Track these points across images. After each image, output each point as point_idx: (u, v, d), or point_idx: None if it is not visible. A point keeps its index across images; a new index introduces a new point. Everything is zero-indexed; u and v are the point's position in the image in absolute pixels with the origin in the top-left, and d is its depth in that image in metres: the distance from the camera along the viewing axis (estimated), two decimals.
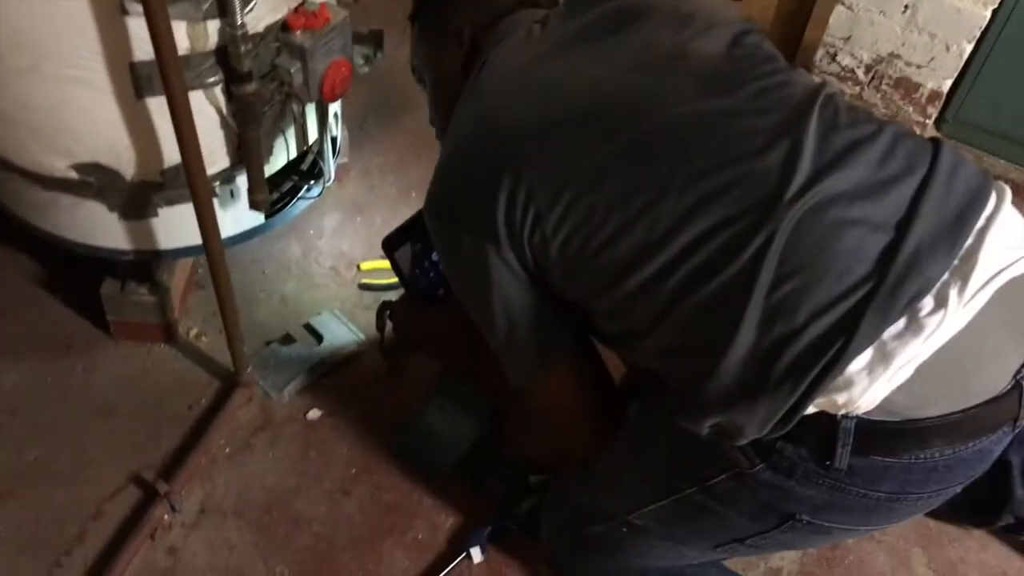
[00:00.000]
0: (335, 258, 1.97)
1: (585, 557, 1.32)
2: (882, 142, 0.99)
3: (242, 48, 1.29)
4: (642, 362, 1.11)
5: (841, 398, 0.92)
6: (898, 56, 1.94)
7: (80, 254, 1.65)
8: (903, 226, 0.94)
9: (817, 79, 1.12)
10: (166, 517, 1.55)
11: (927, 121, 2.02)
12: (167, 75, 1.20)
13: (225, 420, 1.67)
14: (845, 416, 0.93)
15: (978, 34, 1.86)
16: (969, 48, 1.88)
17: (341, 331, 1.81)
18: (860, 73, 2.01)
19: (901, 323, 0.91)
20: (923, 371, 0.91)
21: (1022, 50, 1.96)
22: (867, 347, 0.91)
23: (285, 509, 1.59)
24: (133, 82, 1.30)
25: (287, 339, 1.80)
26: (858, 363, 0.91)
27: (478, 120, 1.11)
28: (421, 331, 1.40)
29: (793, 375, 0.92)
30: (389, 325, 1.57)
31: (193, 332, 1.81)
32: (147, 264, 1.67)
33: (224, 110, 1.40)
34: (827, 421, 0.94)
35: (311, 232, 2.01)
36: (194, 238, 1.47)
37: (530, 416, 1.27)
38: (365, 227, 2.03)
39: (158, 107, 1.33)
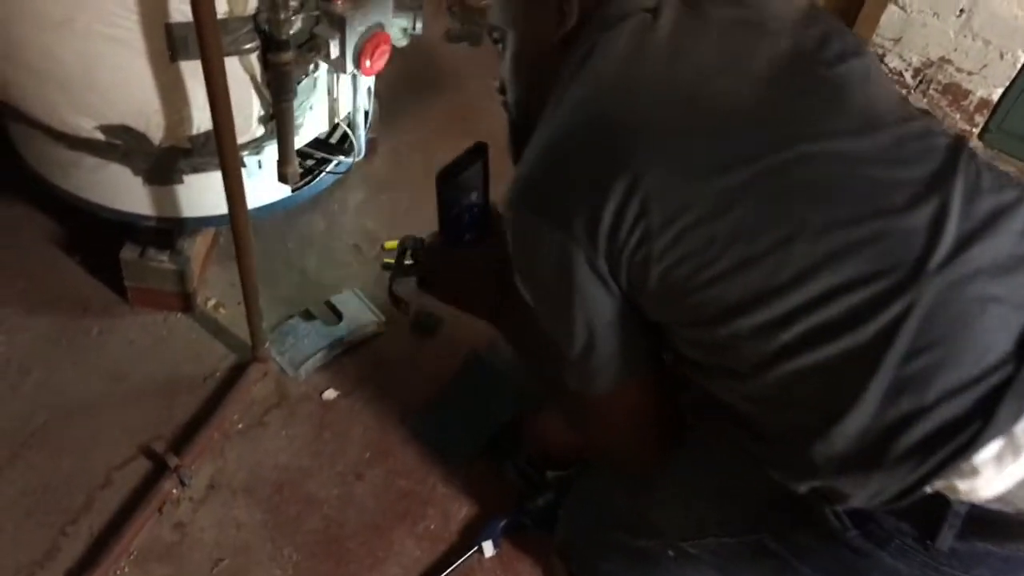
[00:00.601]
0: (359, 235, 1.93)
1: (613, 564, 1.27)
2: None
3: (282, 15, 1.25)
4: (729, 398, 1.04)
5: (964, 485, 0.88)
6: (949, 61, 1.89)
7: (101, 217, 1.61)
8: None
9: (951, 129, 1.06)
10: (175, 491, 1.52)
11: (973, 130, 1.97)
12: (204, 38, 1.16)
13: (239, 395, 1.64)
14: (960, 502, 0.89)
15: None
16: (1023, 57, 1.82)
17: (361, 311, 1.78)
18: (908, 76, 1.96)
19: None
20: None
21: None
22: (1000, 436, 0.86)
23: (296, 489, 1.55)
24: (168, 44, 1.26)
25: (307, 315, 1.76)
26: (988, 451, 0.86)
27: (593, 112, 1.01)
28: (444, 274, 1.30)
29: (917, 455, 0.88)
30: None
31: (212, 303, 1.77)
32: (169, 231, 1.63)
33: (259, 78, 1.36)
34: (938, 501, 0.90)
35: (336, 207, 1.97)
36: (219, 207, 1.44)
37: (579, 419, 1.19)
38: (390, 205, 1.99)
39: (192, 71, 1.29)
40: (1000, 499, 0.88)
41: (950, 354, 0.88)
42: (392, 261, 1.83)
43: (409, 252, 1.29)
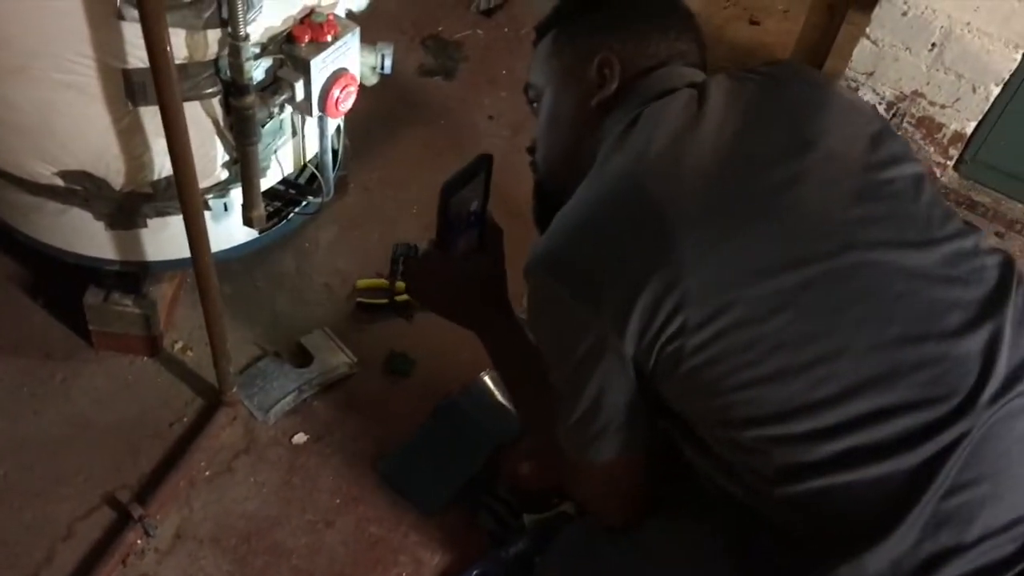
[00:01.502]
0: (329, 274, 1.90)
1: None
2: None
3: (243, 59, 1.22)
4: (747, 500, 0.98)
5: None
6: (922, 95, 1.88)
7: (64, 261, 1.58)
8: None
9: (997, 246, 1.04)
10: (139, 542, 1.48)
11: (947, 163, 1.96)
12: (161, 84, 1.14)
13: (207, 441, 1.60)
14: None
15: (1007, 77, 1.80)
16: (996, 91, 1.82)
17: (332, 352, 1.74)
18: (881, 110, 1.95)
19: None
20: None
21: None
22: None
23: (264, 539, 1.52)
24: (126, 89, 1.23)
25: (276, 357, 1.73)
26: None
27: (637, 190, 0.98)
28: (435, 283, 1.26)
29: None
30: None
31: (179, 346, 1.73)
32: (134, 275, 1.60)
33: (221, 122, 1.33)
34: None
35: (307, 245, 1.94)
36: (183, 251, 1.41)
37: (557, 467, 1.15)
38: (362, 242, 1.96)
39: (151, 116, 1.27)
40: None
41: (995, 492, 0.87)
42: (367, 301, 1.81)
43: (401, 259, 1.28)
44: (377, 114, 2.22)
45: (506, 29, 2.55)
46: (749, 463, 0.96)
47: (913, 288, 0.93)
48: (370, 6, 1.52)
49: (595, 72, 1.11)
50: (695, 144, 0.99)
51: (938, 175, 1.99)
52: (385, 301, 1.80)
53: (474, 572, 1.47)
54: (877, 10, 1.83)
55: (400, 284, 1.35)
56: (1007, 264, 0.99)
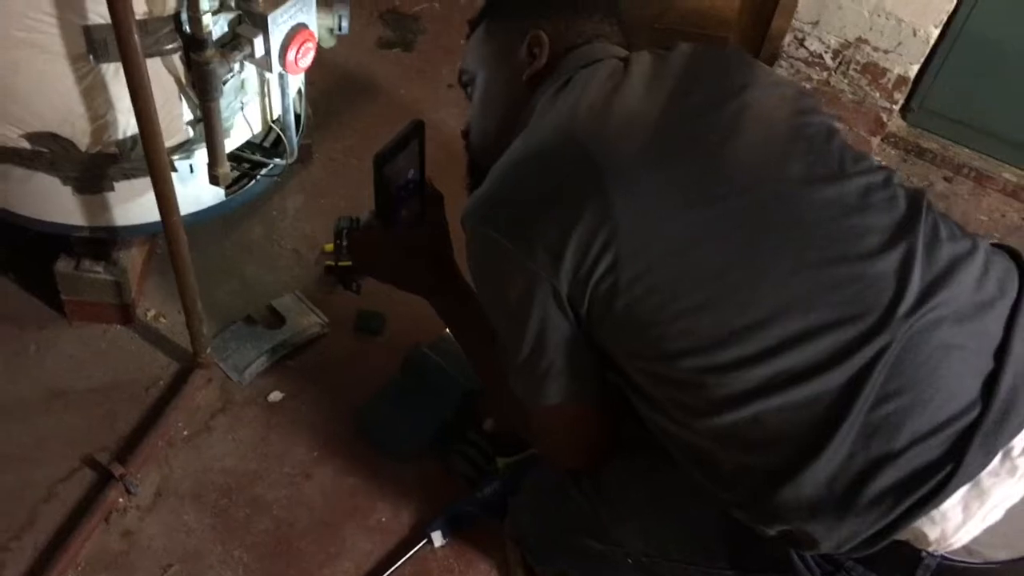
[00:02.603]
0: (298, 240, 1.93)
1: (570, 560, 1.27)
2: (978, 261, 0.99)
3: (201, 13, 1.25)
4: (687, 437, 1.01)
5: (932, 532, 0.89)
6: (865, 41, 1.94)
7: (33, 231, 1.60)
8: (999, 356, 0.93)
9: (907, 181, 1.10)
10: (121, 500, 1.51)
11: (893, 107, 2.02)
12: (123, 40, 1.17)
13: (183, 402, 1.63)
14: (929, 553, 0.90)
15: (944, 19, 1.86)
16: (936, 32, 1.87)
17: (303, 313, 1.78)
18: (828, 58, 2.01)
19: (996, 460, 0.89)
20: (1012, 513, 0.89)
21: (987, 38, 1.97)
22: (968, 481, 0.88)
23: (244, 492, 1.55)
24: (87, 46, 1.26)
25: (248, 321, 1.76)
26: (954, 498, 0.88)
27: (567, 137, 1.03)
28: (379, 253, 1.27)
29: (888, 499, 0.89)
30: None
31: (151, 313, 1.76)
32: (103, 241, 1.62)
33: (183, 79, 1.36)
34: (909, 553, 0.91)
35: (274, 213, 1.97)
36: (152, 214, 1.44)
37: (516, 417, 1.18)
38: (329, 209, 1.99)
39: (114, 74, 1.30)
40: (967, 549, 0.90)
41: (919, 399, 0.90)
42: (334, 264, 1.84)
43: (344, 232, 1.29)
44: (338, 86, 2.26)
45: (462, 1, 2.59)
46: (682, 399, 0.99)
47: (829, 215, 0.98)
48: None
49: (525, 50, 1.19)
50: (622, 98, 1.05)
51: (885, 120, 2.05)
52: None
53: (449, 513, 1.51)
54: None
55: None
56: (917, 193, 1.04)
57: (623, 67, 1.11)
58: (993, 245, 1.05)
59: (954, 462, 0.88)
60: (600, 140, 1.01)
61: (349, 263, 1.34)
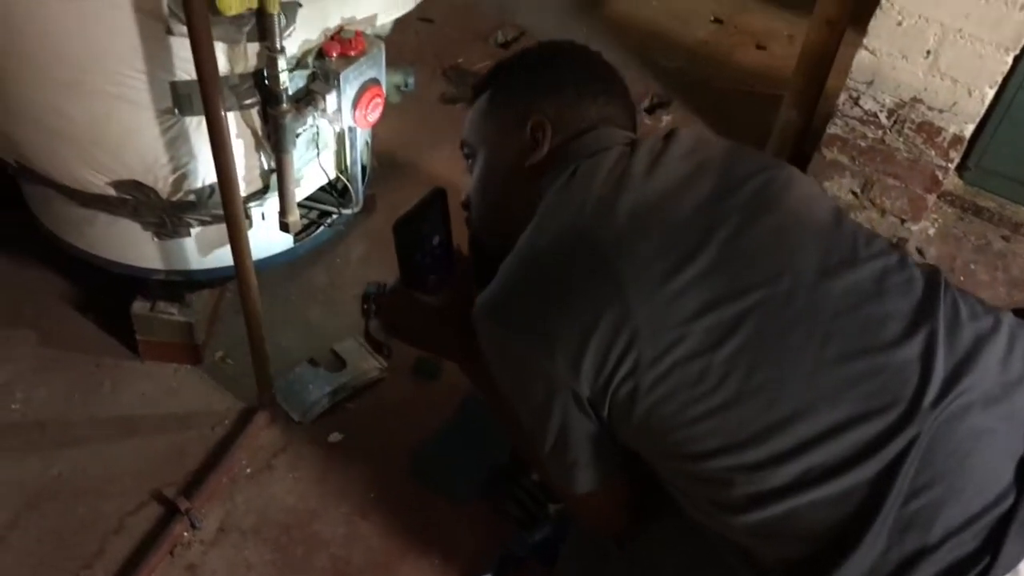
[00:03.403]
0: (360, 287, 1.97)
1: None
2: (1002, 338, 0.98)
3: (280, 71, 1.33)
4: (718, 528, 1.00)
5: None
6: (920, 100, 1.96)
7: (112, 274, 1.69)
8: None
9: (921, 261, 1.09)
10: (186, 534, 1.56)
11: (949, 166, 2.03)
12: (207, 95, 1.25)
13: (247, 441, 1.69)
14: None
15: (1000, 80, 1.88)
16: (991, 93, 1.89)
17: (364, 357, 1.83)
18: (883, 117, 2.03)
19: None
20: None
21: None
22: (1006, 573, 0.88)
23: (303, 530, 1.59)
24: (173, 101, 1.34)
25: (311, 363, 1.82)
26: None
27: (578, 237, 1.01)
28: (407, 319, 1.28)
29: None
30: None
31: (219, 355, 1.83)
32: (177, 284, 1.70)
33: (259, 132, 1.44)
34: None
35: (338, 260, 2.04)
36: (225, 259, 1.51)
37: (549, 482, 1.20)
38: (390, 258, 2.03)
39: (196, 126, 1.38)
40: None
41: (951, 491, 0.89)
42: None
43: (372, 298, 1.32)
44: (402, 139, 2.34)
45: None
46: (711, 495, 0.98)
47: (847, 305, 0.97)
48: (392, 31, 1.62)
49: (528, 134, 1.15)
50: (631, 191, 1.03)
51: (941, 178, 2.06)
52: None
53: (502, 556, 1.54)
54: (873, 21, 1.92)
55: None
56: (934, 273, 1.04)
57: (629, 156, 1.08)
58: (1015, 312, 1.04)
59: (991, 554, 0.87)
60: (614, 239, 0.99)
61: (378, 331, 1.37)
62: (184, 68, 1.30)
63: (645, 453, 1.04)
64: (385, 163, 2.25)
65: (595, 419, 1.02)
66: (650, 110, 2.57)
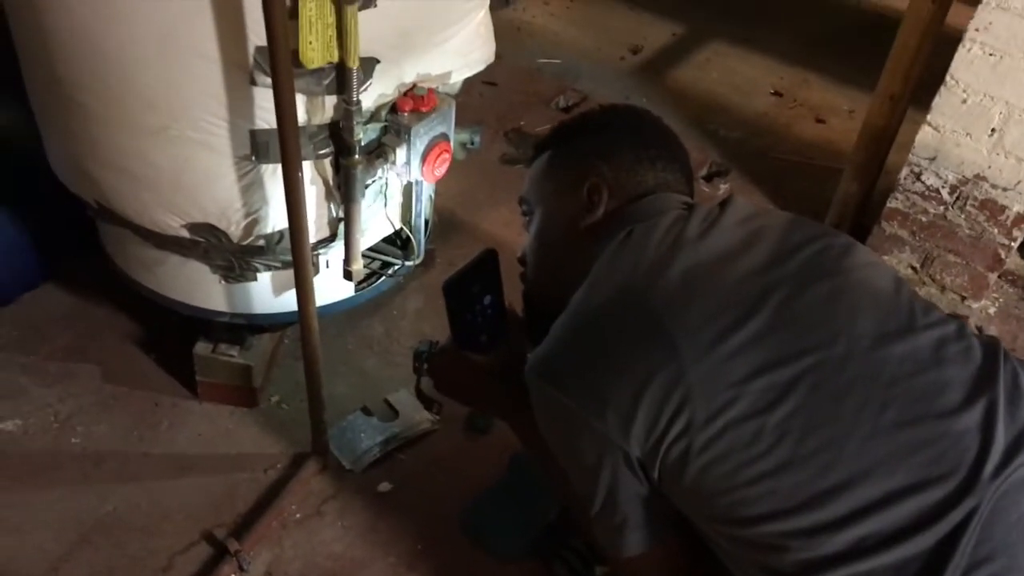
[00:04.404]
0: (416, 339, 2.00)
1: None
2: None
3: (354, 123, 1.38)
4: None
5: None
6: (984, 178, 1.96)
7: (177, 316, 1.73)
8: None
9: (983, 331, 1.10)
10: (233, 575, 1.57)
11: (1012, 244, 2.01)
12: (286, 144, 1.29)
13: (298, 486, 1.70)
14: None
15: None
16: None
17: (417, 408, 1.84)
18: (944, 193, 2.03)
19: None
20: None
21: None
22: None
23: None
24: (252, 148, 1.39)
25: (365, 412, 1.84)
26: None
27: (633, 297, 1.02)
28: (458, 378, 1.31)
29: None
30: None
31: (275, 399, 1.86)
32: (239, 327, 1.74)
33: (331, 181, 1.48)
34: None
35: (395, 312, 2.07)
36: (288, 305, 1.55)
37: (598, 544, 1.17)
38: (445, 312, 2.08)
39: (271, 174, 1.42)
40: None
41: (1012, 565, 0.89)
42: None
43: (424, 356, 1.34)
44: (463, 197, 2.38)
45: None
46: (763, 561, 0.97)
47: (905, 372, 0.96)
48: (460, 92, 1.67)
49: (585, 196, 1.17)
50: (685, 253, 1.04)
51: (1003, 257, 2.04)
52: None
53: None
54: (937, 99, 1.93)
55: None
56: (991, 342, 1.03)
57: (685, 220, 1.09)
58: None
59: None
60: (667, 300, 1.00)
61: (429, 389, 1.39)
62: (264, 117, 1.34)
63: (694, 516, 1.03)
64: (445, 219, 2.29)
65: (645, 481, 1.02)
66: (708, 178, 2.59)
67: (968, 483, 0.90)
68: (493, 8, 1.61)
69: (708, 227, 1.08)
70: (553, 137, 1.28)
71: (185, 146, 1.38)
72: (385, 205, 1.61)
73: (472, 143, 1.74)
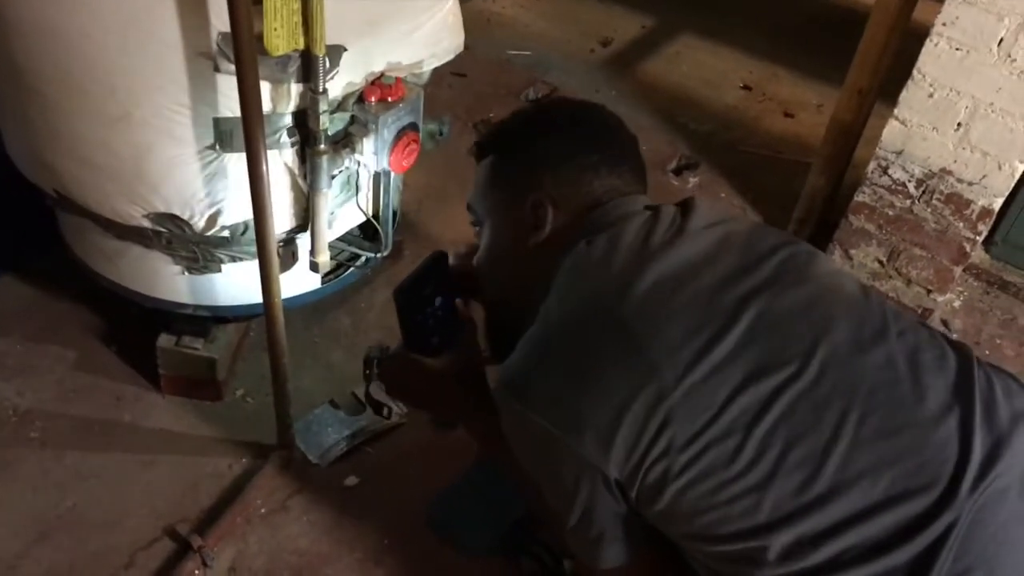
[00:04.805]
0: (383, 332, 1.99)
1: None
2: None
3: (321, 112, 1.35)
4: None
5: None
6: (950, 172, 1.97)
7: (139, 308, 1.70)
8: None
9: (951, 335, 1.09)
10: (197, 572, 1.54)
11: (977, 238, 2.03)
12: (250, 132, 1.26)
13: (263, 481, 1.68)
14: None
15: None
16: (1021, 168, 1.90)
17: (385, 401, 1.82)
18: (911, 187, 2.04)
19: None
20: None
21: None
22: None
23: (315, 574, 1.57)
24: (215, 136, 1.36)
25: (332, 405, 1.81)
26: None
27: (603, 312, 0.98)
28: (410, 382, 1.27)
29: None
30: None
31: (240, 392, 1.83)
32: (203, 320, 1.71)
33: (296, 171, 1.46)
34: None
35: (362, 305, 2.05)
36: (253, 296, 1.52)
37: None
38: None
39: (235, 163, 1.40)
40: None
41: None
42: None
43: (375, 362, 1.32)
44: (430, 190, 2.36)
45: None
46: (741, 573, 0.96)
47: (883, 380, 0.96)
48: (428, 83, 1.65)
49: (530, 212, 1.11)
50: (654, 264, 1.00)
51: (968, 251, 2.06)
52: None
53: None
54: (904, 92, 1.94)
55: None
56: (963, 349, 1.03)
57: (647, 229, 1.05)
58: None
59: None
60: (641, 315, 0.97)
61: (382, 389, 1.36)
62: (228, 105, 1.32)
63: (672, 534, 1.01)
64: (412, 211, 2.27)
65: (622, 501, 1.00)
66: (677, 171, 2.59)
67: (947, 495, 0.90)
68: None
69: (674, 235, 1.05)
70: (493, 141, 1.21)
71: (147, 134, 1.36)
72: (355, 195, 1.59)
73: (441, 133, 1.72)
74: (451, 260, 1.23)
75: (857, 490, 0.90)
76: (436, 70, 1.60)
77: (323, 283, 1.72)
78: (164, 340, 1.73)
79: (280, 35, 1.23)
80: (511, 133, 1.20)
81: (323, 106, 1.35)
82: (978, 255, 2.27)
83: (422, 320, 1.20)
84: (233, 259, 1.56)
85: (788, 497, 0.91)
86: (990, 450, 0.93)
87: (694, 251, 1.03)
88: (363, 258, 1.76)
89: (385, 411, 1.48)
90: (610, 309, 0.98)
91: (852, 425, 0.92)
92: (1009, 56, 1.81)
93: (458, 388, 1.22)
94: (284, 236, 1.55)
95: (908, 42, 2.03)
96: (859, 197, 2.14)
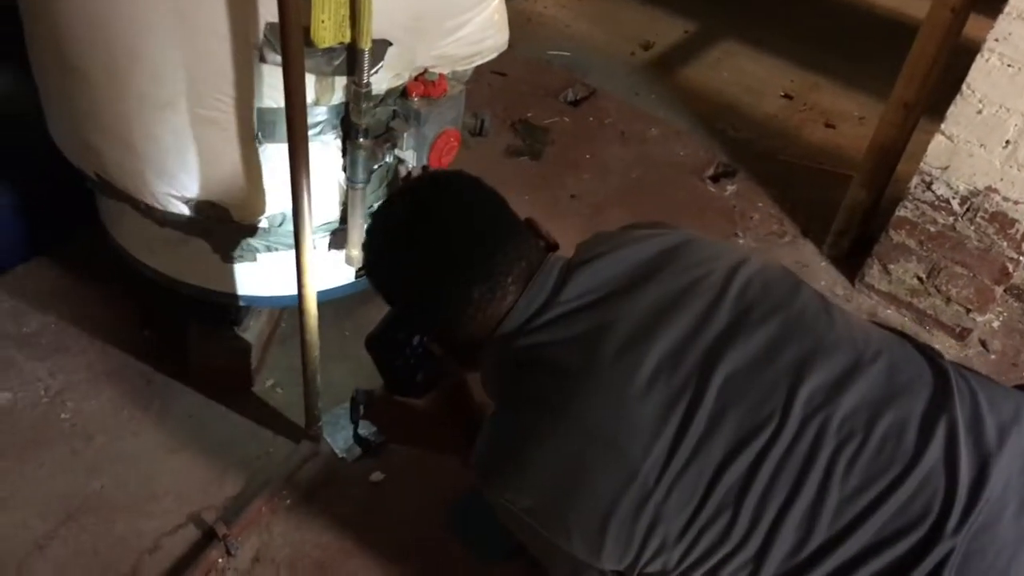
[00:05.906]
0: None
1: None
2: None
3: (363, 106, 1.35)
4: None
5: None
6: (995, 190, 1.93)
7: (174, 294, 1.70)
8: None
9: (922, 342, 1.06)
10: (220, 560, 1.55)
11: (1021, 258, 1.99)
12: (293, 123, 1.26)
13: (290, 472, 1.68)
14: None
15: None
16: None
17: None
18: (955, 204, 2.00)
19: None
20: None
21: None
22: None
23: (338, 569, 1.57)
24: (258, 127, 1.36)
25: None
26: None
27: (565, 411, 0.96)
28: (400, 425, 1.31)
29: None
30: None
31: (270, 383, 1.83)
32: (237, 308, 1.71)
33: (335, 164, 1.45)
34: None
35: None
36: (288, 287, 1.51)
37: None
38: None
39: (276, 153, 1.39)
40: None
41: None
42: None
43: (361, 407, 1.31)
44: None
45: (591, 119, 2.69)
46: None
47: (862, 422, 0.95)
48: (470, 80, 1.64)
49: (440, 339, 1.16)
50: (602, 348, 0.98)
51: (1011, 270, 2.02)
52: None
53: None
54: (953, 107, 1.91)
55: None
56: (937, 358, 1.02)
57: (573, 311, 1.02)
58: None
59: None
60: (606, 406, 0.95)
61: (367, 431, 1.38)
62: (272, 96, 1.31)
63: None
64: None
65: None
66: (715, 178, 2.56)
67: (937, 528, 0.90)
68: None
69: (603, 310, 1.00)
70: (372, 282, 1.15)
71: (192, 123, 1.35)
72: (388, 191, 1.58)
73: (481, 131, 1.71)
74: None
75: (851, 540, 0.92)
76: (477, 68, 1.59)
77: (356, 277, 1.71)
78: (196, 328, 1.73)
79: (327, 27, 1.23)
80: (380, 281, 1.13)
81: (366, 100, 1.34)
82: (1020, 275, 2.23)
83: (403, 364, 1.21)
84: (269, 249, 1.56)
85: (786, 558, 0.93)
86: (977, 474, 0.92)
87: (634, 321, 0.99)
88: None
89: (373, 450, 1.48)
90: (568, 408, 0.96)
91: (839, 476, 0.93)
92: None
93: (449, 427, 1.24)
94: (322, 227, 1.54)
95: (955, 57, 2.00)
96: (900, 212, 2.11)
